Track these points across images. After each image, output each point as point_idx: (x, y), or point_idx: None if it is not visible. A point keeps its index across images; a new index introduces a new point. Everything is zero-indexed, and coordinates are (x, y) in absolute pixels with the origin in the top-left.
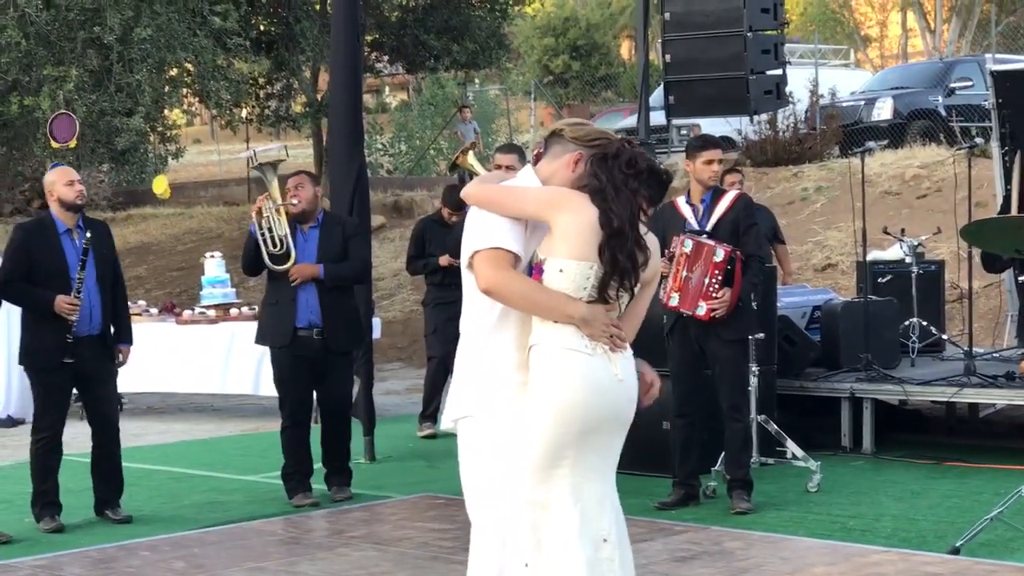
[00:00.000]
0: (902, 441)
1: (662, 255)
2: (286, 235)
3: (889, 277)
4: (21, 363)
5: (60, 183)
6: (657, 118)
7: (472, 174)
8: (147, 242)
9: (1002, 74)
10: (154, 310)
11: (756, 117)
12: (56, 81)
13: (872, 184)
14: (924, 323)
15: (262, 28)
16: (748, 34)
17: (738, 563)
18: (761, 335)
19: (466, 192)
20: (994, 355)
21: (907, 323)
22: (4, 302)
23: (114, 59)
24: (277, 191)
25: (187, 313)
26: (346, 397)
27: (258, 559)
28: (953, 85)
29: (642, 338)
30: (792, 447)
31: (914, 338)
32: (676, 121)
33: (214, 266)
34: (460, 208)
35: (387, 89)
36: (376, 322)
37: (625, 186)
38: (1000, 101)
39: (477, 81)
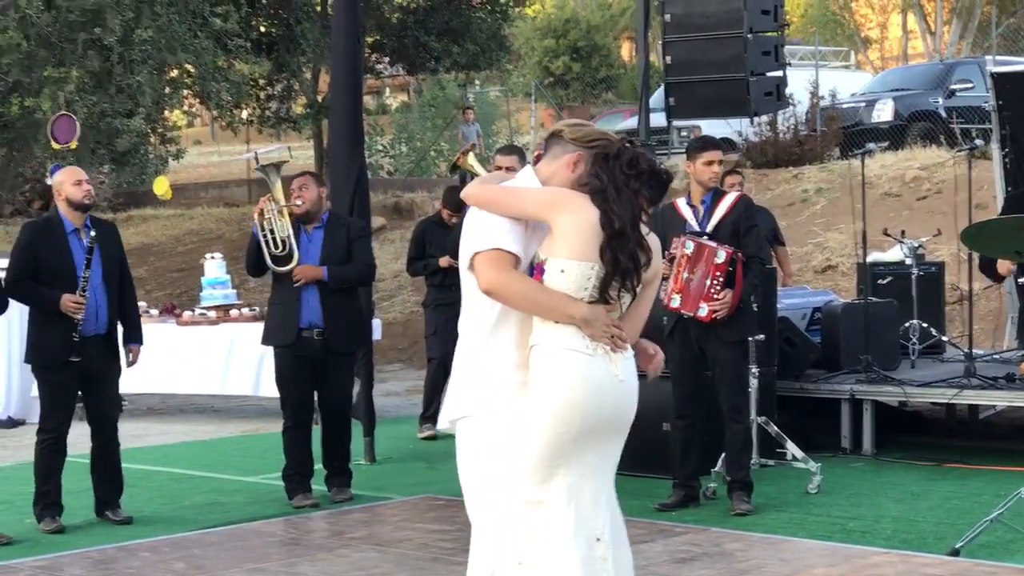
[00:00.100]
0: (902, 443)
1: (662, 257)
2: (288, 236)
3: (889, 279)
4: (28, 361)
5: (68, 183)
6: (658, 120)
7: (473, 175)
8: (147, 243)
9: (1002, 76)
10: (154, 311)
11: (756, 119)
12: (57, 82)
13: (872, 186)
14: (924, 325)
15: (263, 29)
16: (748, 36)
17: (738, 564)
18: (761, 337)
19: (466, 193)
20: (994, 357)
21: (907, 325)
22: (11, 302)
23: (115, 60)
24: (280, 192)
25: (187, 314)
26: (347, 398)
27: (258, 560)
28: (953, 87)
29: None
30: (792, 448)
31: (914, 340)
32: (676, 123)
33: (214, 267)
34: (460, 209)
35: (388, 90)
36: (376, 323)
37: (626, 186)
38: (1000, 103)
39: (478, 83)
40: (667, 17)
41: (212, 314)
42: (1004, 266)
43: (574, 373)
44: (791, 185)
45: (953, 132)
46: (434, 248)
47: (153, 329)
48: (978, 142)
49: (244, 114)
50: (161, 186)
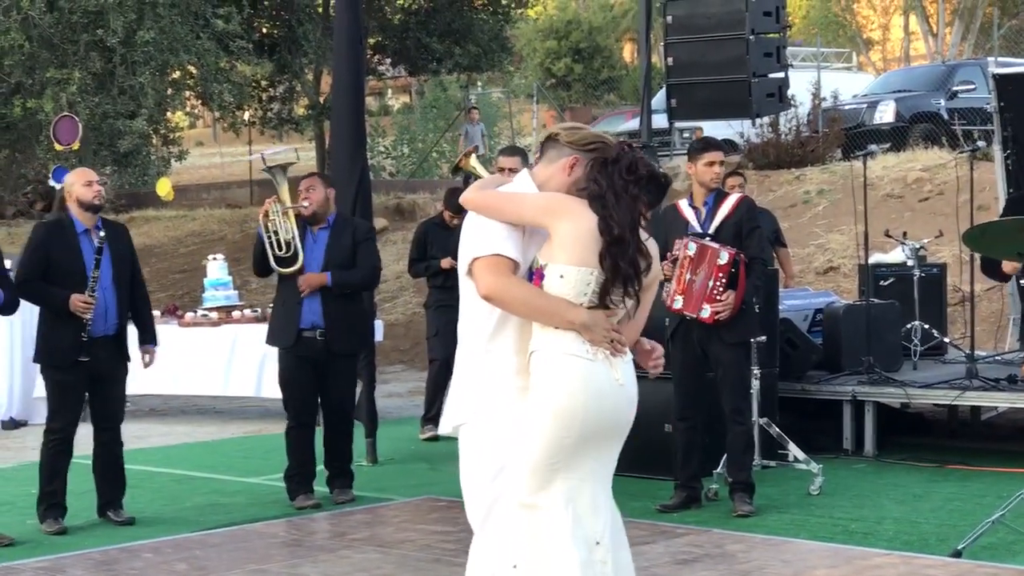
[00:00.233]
0: (904, 444)
1: (664, 258)
2: (293, 237)
3: (891, 280)
4: (37, 361)
5: (79, 183)
6: (659, 121)
7: (475, 177)
8: (149, 244)
9: (1004, 77)
10: (156, 312)
11: (758, 120)
12: (59, 84)
13: (874, 187)
14: (926, 326)
15: (264, 31)
16: (750, 37)
17: (740, 566)
18: (763, 338)
19: (464, 198)
20: (996, 358)
21: (909, 326)
22: (22, 302)
23: (117, 62)
24: (287, 193)
25: (189, 315)
26: (349, 399)
27: (260, 561)
28: (955, 88)
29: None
30: (794, 450)
31: (916, 341)
32: (678, 124)
33: (216, 268)
34: (462, 211)
35: (389, 92)
36: (378, 325)
37: (625, 192)
38: (1002, 104)
39: (480, 84)
40: (669, 19)
41: (214, 315)
42: (1009, 265)
43: (574, 378)
44: (793, 186)
45: (955, 133)
46: (436, 250)
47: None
48: (980, 144)
49: (246, 115)
50: (164, 187)
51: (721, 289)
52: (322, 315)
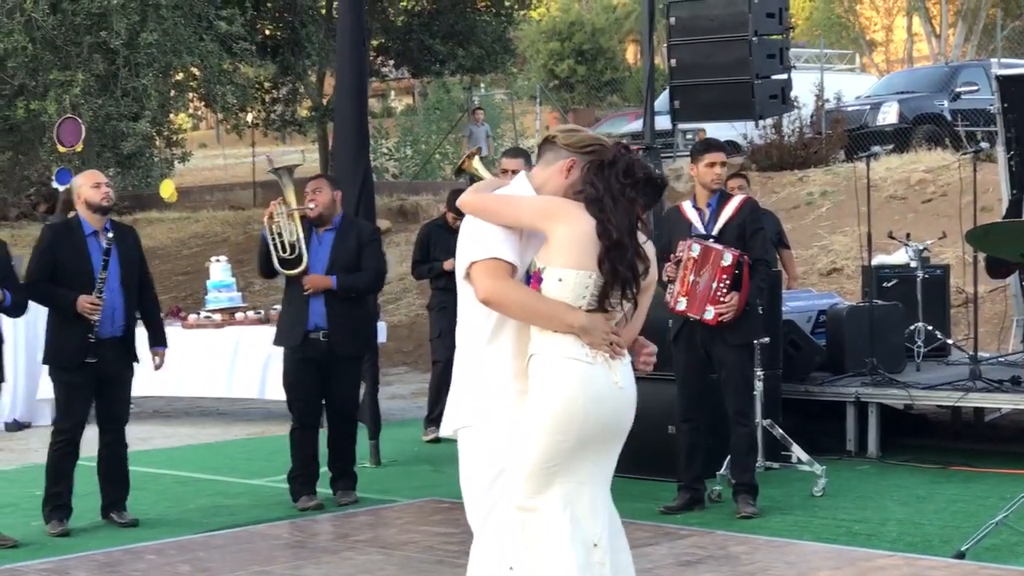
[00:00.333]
0: (907, 445)
1: (667, 259)
2: (297, 240)
3: (894, 281)
4: (45, 362)
5: (87, 185)
6: (662, 122)
7: (478, 179)
8: (152, 246)
9: (1007, 78)
10: (160, 314)
11: (761, 122)
12: (62, 85)
13: (877, 188)
14: (929, 327)
15: (268, 32)
16: (753, 39)
17: (743, 567)
18: (766, 339)
19: (462, 201)
20: (999, 359)
21: (912, 327)
22: (30, 303)
23: (120, 63)
24: (292, 195)
25: (193, 317)
26: (353, 401)
27: (263, 563)
28: (959, 89)
29: None
30: (797, 451)
31: (919, 342)
32: (681, 126)
33: (220, 270)
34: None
35: (392, 93)
36: (381, 326)
37: (622, 195)
38: (1006, 105)
39: (483, 85)
40: (672, 20)
41: (217, 317)
42: None
43: (574, 382)
44: (796, 188)
45: (958, 135)
46: (439, 251)
47: None
48: (983, 145)
49: (249, 117)
50: (167, 189)
51: (725, 291)
52: (325, 317)
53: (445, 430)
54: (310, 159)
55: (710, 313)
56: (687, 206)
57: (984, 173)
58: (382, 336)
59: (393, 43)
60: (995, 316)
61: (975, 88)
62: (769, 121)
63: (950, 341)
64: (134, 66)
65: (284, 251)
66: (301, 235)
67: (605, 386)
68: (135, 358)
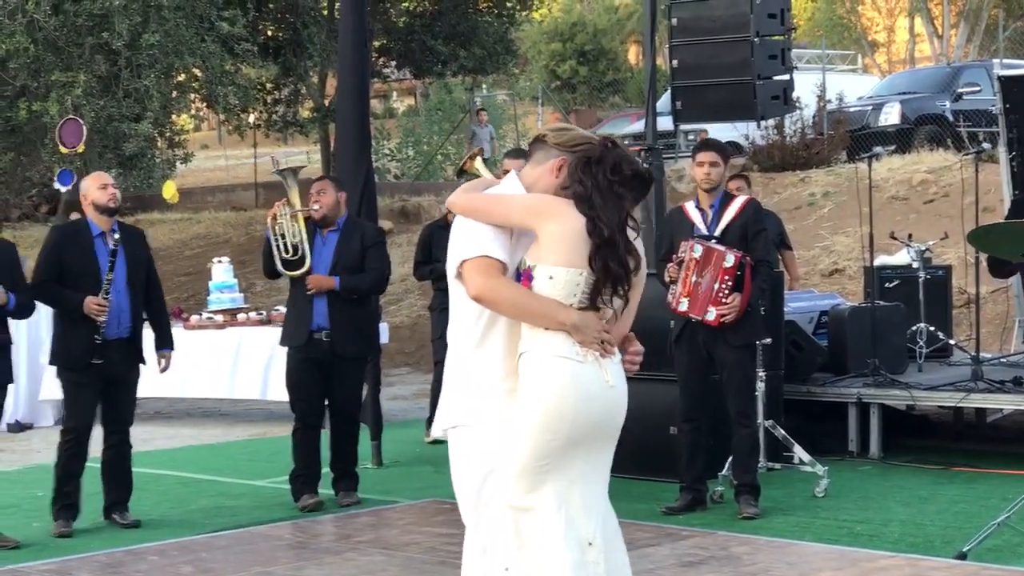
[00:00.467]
0: (909, 446)
1: (670, 260)
2: (300, 241)
3: (896, 282)
4: (52, 363)
5: (94, 187)
6: (664, 123)
7: None
8: (154, 247)
9: (1009, 79)
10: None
11: (763, 122)
12: (64, 86)
13: (879, 189)
14: (931, 328)
15: (270, 33)
16: (755, 39)
17: (745, 568)
18: (768, 340)
19: (451, 201)
20: (1001, 360)
21: (914, 328)
22: (37, 305)
23: (122, 64)
24: (296, 197)
25: (195, 318)
26: (355, 402)
27: (266, 563)
28: (960, 90)
29: (644, 343)
30: (799, 452)
31: (921, 343)
32: (683, 126)
33: (221, 271)
34: None
35: (394, 94)
36: (383, 327)
37: (611, 192)
38: (1008, 106)
39: (485, 86)
40: (674, 21)
41: (219, 318)
42: None
43: (564, 380)
44: (798, 189)
45: (960, 135)
46: (440, 252)
47: None
48: (985, 145)
49: (251, 118)
50: (168, 190)
51: (727, 292)
52: (328, 317)
53: (436, 431)
54: (313, 160)
55: (712, 314)
56: (690, 207)
57: (986, 174)
58: (384, 337)
59: (395, 44)
60: (997, 317)
61: (977, 89)
62: (771, 122)
63: (952, 342)
64: (136, 67)
65: (287, 252)
66: (304, 236)
67: (596, 384)
68: (141, 359)
